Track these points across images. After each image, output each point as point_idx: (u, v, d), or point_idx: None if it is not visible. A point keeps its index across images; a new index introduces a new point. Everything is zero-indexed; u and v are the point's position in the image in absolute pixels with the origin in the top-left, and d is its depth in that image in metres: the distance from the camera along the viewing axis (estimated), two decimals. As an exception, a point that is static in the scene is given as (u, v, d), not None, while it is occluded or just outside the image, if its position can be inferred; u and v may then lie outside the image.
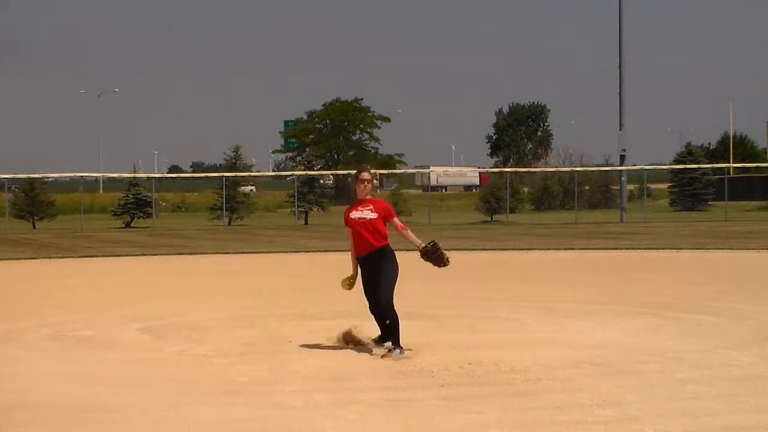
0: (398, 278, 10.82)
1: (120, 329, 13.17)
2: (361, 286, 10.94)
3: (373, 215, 10.75)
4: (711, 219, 48.42)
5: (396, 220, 10.85)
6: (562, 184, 66.96)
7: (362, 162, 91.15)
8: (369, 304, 10.90)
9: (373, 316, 10.97)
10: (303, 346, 11.45)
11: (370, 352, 10.88)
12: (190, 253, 29.53)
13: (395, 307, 10.71)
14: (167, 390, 9.25)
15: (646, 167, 61.48)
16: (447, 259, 10.99)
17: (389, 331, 10.76)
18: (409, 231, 10.85)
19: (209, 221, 50.91)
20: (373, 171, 11.30)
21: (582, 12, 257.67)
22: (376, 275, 10.68)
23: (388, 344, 10.74)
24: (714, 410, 8.21)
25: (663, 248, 28.16)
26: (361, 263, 10.84)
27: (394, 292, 10.77)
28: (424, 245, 10.90)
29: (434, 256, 10.90)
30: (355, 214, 10.78)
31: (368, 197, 10.87)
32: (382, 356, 10.58)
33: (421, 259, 10.98)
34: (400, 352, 10.58)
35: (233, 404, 8.68)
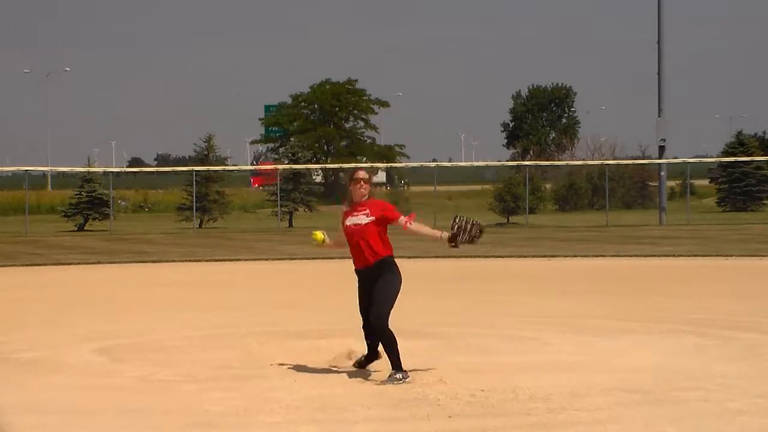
0: (399, 293, 10.80)
1: (71, 350, 13.17)
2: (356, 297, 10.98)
3: (368, 220, 10.78)
4: (766, 221, 48.47)
5: (401, 219, 10.82)
6: (590, 180, 66.99)
7: (356, 154, 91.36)
8: (362, 321, 10.96)
9: (363, 335, 11.04)
10: (286, 369, 11.46)
11: (364, 376, 10.89)
12: (154, 261, 29.52)
13: (389, 326, 10.71)
14: (127, 422, 9.25)
15: (690, 160, 61.55)
16: (479, 231, 10.90)
17: (377, 345, 10.83)
18: (419, 226, 10.87)
19: (177, 223, 50.92)
20: (372, 168, 11.31)
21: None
22: (372, 290, 10.75)
23: (392, 372, 10.70)
24: (769, 445, 8.23)
25: (709, 255, 28.19)
26: (360, 277, 10.94)
27: (392, 308, 10.75)
28: (451, 232, 10.83)
29: (468, 235, 10.84)
30: (349, 220, 10.85)
31: (365, 200, 10.90)
32: (382, 381, 10.60)
33: (455, 248, 10.94)
34: (403, 377, 10.60)
35: (204, 438, 8.68)
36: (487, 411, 9.41)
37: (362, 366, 11.21)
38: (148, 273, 26.14)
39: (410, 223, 10.82)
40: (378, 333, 10.72)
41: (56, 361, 12.40)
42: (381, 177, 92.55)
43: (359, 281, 10.94)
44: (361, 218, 10.80)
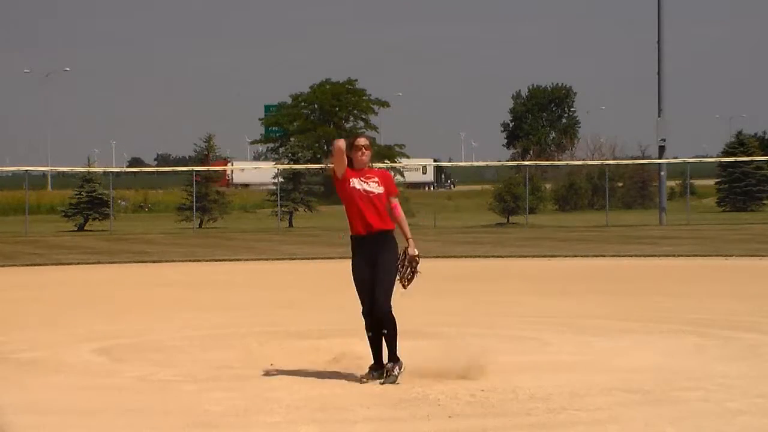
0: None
1: (71, 350, 13.17)
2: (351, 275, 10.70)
3: (380, 190, 10.63)
4: (766, 221, 48.47)
5: (395, 199, 10.76)
6: (590, 180, 66.97)
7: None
8: (363, 302, 10.64)
9: (364, 324, 10.68)
10: (286, 370, 11.46)
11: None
12: (154, 261, 29.52)
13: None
14: (127, 422, 9.25)
15: (690, 160, 61.55)
16: (408, 281, 10.77)
17: (381, 347, 10.61)
18: (404, 217, 10.76)
19: (176, 223, 50.92)
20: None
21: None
22: (375, 269, 10.52)
23: (388, 365, 10.68)
24: (769, 445, 8.23)
25: (709, 255, 28.18)
26: (358, 244, 10.66)
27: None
28: (417, 253, 10.70)
29: (409, 270, 10.70)
30: (357, 185, 10.60)
31: (369, 168, 10.78)
32: (381, 381, 10.57)
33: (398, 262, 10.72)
34: (401, 368, 10.57)
35: (204, 438, 8.68)
36: (487, 411, 9.41)
37: (372, 375, 10.68)
38: (148, 273, 26.15)
39: (399, 208, 10.73)
40: (385, 320, 10.51)
41: (56, 361, 12.40)
42: (429, 176, 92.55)
43: (359, 251, 10.62)
44: (373, 186, 10.61)
